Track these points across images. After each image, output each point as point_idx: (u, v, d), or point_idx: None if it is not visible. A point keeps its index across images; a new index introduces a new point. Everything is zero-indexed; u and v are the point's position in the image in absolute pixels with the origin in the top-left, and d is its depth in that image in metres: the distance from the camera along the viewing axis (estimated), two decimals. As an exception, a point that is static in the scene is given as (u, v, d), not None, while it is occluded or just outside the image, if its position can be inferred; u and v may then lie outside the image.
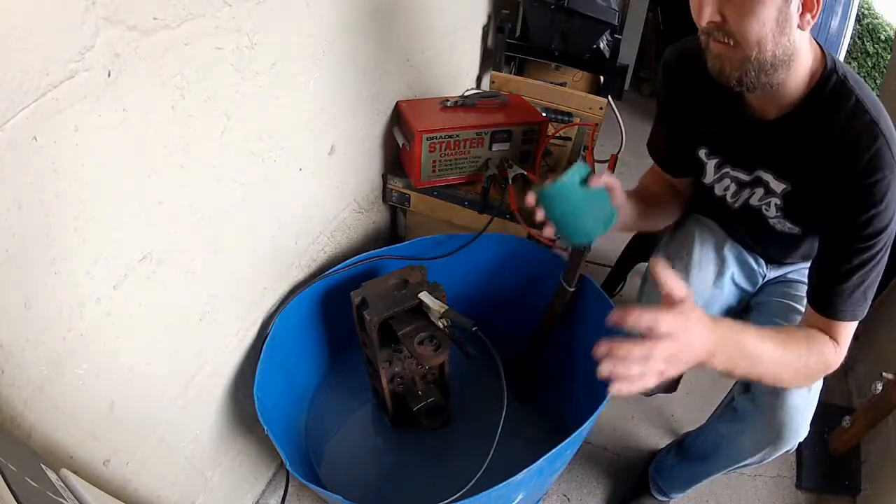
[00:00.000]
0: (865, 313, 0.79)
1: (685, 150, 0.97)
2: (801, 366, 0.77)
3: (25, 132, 0.51)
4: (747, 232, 1.02)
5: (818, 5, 0.66)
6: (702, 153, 0.94)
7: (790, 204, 0.87)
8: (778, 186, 0.86)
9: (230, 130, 0.78)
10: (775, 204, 0.89)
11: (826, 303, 0.79)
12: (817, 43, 0.76)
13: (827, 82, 0.74)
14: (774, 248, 1.03)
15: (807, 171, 0.81)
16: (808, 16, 0.67)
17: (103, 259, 0.65)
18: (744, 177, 0.90)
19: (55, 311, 0.61)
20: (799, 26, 0.68)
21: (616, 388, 0.66)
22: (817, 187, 0.80)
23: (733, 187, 0.93)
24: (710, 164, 0.94)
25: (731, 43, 0.70)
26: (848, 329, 0.80)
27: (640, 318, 0.65)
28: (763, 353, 0.74)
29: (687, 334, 0.66)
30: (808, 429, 0.88)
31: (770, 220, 0.92)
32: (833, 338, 0.80)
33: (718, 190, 0.96)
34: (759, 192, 0.89)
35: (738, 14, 0.67)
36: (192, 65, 0.68)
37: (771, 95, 0.77)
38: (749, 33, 0.67)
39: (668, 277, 0.68)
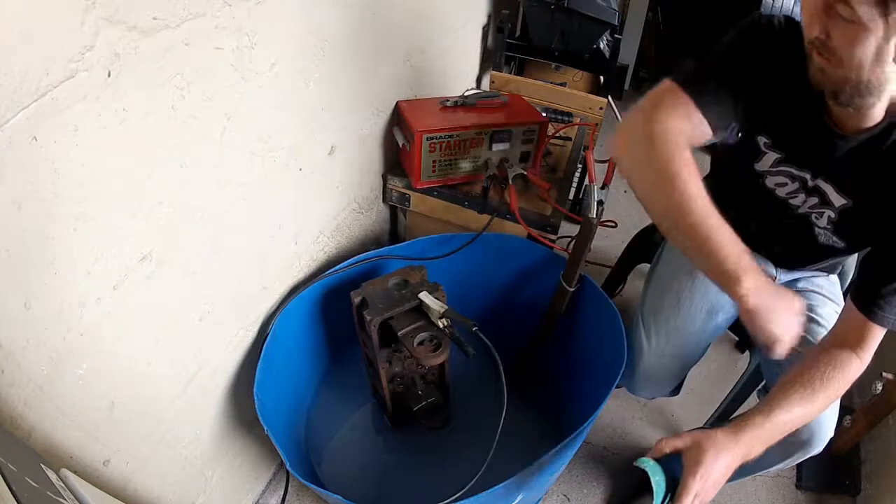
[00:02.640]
0: None
1: (746, 133, 0.92)
2: (829, 402, 0.81)
3: (25, 132, 0.51)
4: (781, 233, 1.00)
5: None
6: (761, 141, 0.91)
7: (845, 220, 0.87)
8: (837, 200, 0.86)
9: (230, 130, 0.78)
10: (828, 216, 0.89)
11: (872, 307, 0.80)
12: None
13: None
14: (799, 258, 1.03)
15: (872, 193, 0.82)
16: None
17: (103, 259, 0.65)
18: (809, 181, 0.88)
19: (55, 311, 0.61)
20: (895, 60, 0.69)
21: None
22: (880, 211, 0.81)
23: (792, 185, 0.91)
24: (770, 156, 0.91)
25: (832, 61, 0.71)
26: (881, 334, 0.82)
27: None
28: (794, 419, 0.79)
29: (709, 479, 0.76)
30: (833, 432, 0.90)
31: (816, 230, 0.92)
32: (862, 343, 0.81)
33: (770, 182, 0.93)
34: (815, 200, 0.89)
35: (843, 36, 0.68)
36: (192, 65, 0.68)
37: (857, 113, 0.78)
38: (850, 56, 0.68)
39: (664, 449, 0.80)
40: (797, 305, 0.81)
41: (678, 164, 0.75)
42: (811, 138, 0.85)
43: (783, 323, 0.79)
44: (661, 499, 0.81)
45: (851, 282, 0.86)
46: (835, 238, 0.91)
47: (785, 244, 1.03)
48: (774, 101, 0.86)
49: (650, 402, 1.53)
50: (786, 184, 0.92)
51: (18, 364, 0.58)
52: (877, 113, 0.77)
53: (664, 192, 0.75)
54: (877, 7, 0.63)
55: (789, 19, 0.82)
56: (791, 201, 0.93)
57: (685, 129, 0.79)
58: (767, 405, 0.78)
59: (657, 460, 0.82)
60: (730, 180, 1.00)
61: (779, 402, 0.78)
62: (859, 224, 0.87)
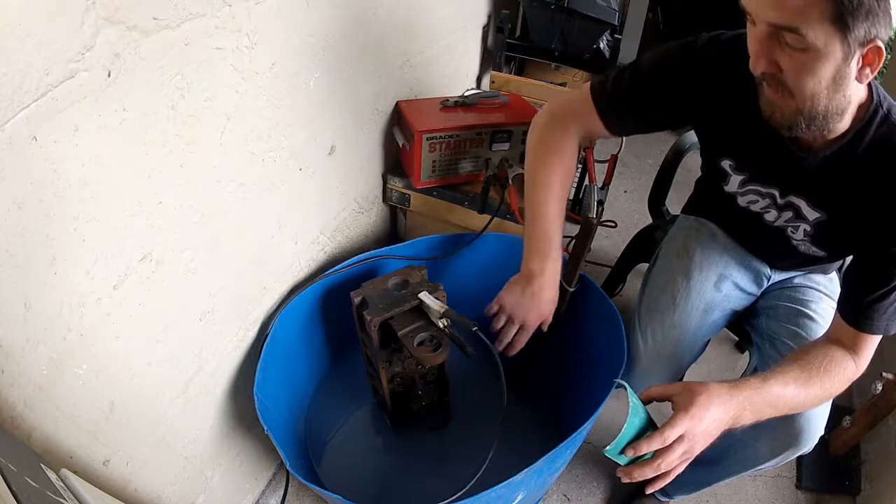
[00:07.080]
0: None
1: (709, 158, 0.93)
2: (825, 395, 0.80)
3: (25, 132, 0.51)
4: (763, 243, 1.00)
5: (880, 60, 0.63)
6: (726, 164, 0.90)
7: (821, 232, 0.86)
8: (811, 214, 0.85)
9: (230, 130, 0.78)
10: (804, 230, 0.88)
11: (860, 318, 0.79)
12: None
13: (873, 118, 0.73)
14: (788, 262, 1.02)
15: (845, 204, 0.80)
16: (868, 69, 0.64)
17: (103, 259, 0.65)
18: (778, 197, 0.87)
19: (55, 311, 0.61)
20: (857, 79, 0.66)
21: (652, 487, 0.77)
22: (855, 221, 0.79)
23: (763, 202, 0.90)
24: (736, 178, 0.91)
25: (784, 94, 0.68)
26: (875, 341, 0.81)
27: (645, 450, 0.73)
28: (787, 398, 0.77)
29: (699, 423, 0.72)
30: (823, 431, 0.89)
31: (794, 242, 0.91)
32: (856, 349, 0.81)
33: (742, 201, 0.93)
34: (788, 214, 0.88)
35: (794, 68, 0.64)
36: (192, 65, 0.68)
37: (818, 132, 0.75)
38: (803, 88, 0.65)
39: (652, 394, 0.78)
40: (547, 306, 0.96)
41: (545, 167, 0.93)
42: (775, 159, 0.83)
43: (525, 304, 0.93)
44: (638, 424, 0.74)
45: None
46: (814, 248, 0.90)
47: (768, 252, 1.03)
48: (730, 125, 0.85)
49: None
50: (757, 201, 0.91)
51: (18, 364, 0.58)
52: (841, 126, 0.73)
53: (528, 177, 0.96)
54: (833, 25, 0.59)
55: (738, 35, 0.77)
56: (766, 216, 0.92)
57: (579, 132, 0.93)
58: (764, 374, 0.77)
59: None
60: (709, 193, 1.02)
61: (775, 375, 0.77)
62: (836, 235, 0.85)
